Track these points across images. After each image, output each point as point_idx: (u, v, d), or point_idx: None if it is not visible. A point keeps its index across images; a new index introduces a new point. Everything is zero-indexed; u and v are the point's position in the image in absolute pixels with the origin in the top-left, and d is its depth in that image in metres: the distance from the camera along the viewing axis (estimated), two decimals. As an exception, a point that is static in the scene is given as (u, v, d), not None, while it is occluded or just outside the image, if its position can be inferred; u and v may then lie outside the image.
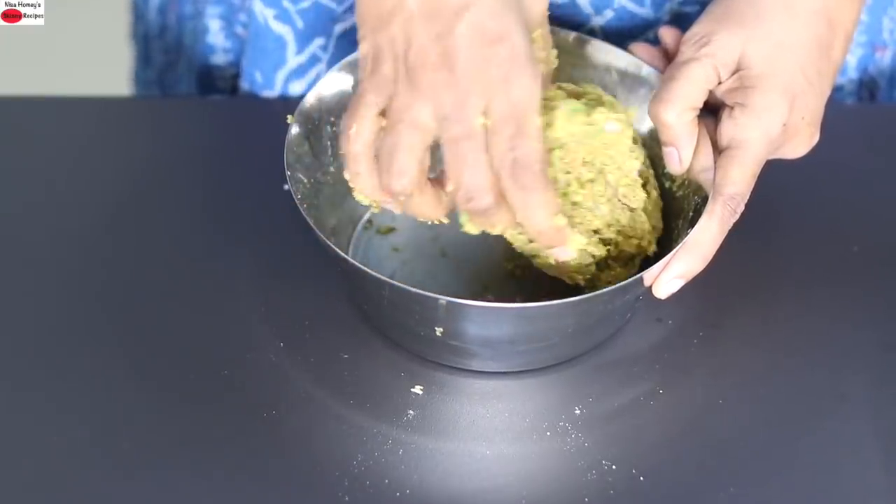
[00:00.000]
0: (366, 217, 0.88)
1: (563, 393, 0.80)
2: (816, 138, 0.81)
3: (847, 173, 0.92)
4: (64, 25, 1.85)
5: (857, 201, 0.90)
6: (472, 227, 0.74)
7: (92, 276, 0.85)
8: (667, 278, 0.77)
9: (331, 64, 0.95)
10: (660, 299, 0.78)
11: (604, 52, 0.86)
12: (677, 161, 0.79)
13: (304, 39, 0.95)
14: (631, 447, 0.77)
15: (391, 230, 0.87)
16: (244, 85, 0.98)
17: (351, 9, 0.93)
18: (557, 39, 0.83)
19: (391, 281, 0.73)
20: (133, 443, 0.76)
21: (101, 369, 0.80)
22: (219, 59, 1.03)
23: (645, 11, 0.91)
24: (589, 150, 0.78)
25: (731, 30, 0.79)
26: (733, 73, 0.79)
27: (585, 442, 0.77)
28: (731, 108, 0.79)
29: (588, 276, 0.79)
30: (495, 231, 0.74)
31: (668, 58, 0.86)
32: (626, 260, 0.80)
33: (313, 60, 0.95)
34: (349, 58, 0.84)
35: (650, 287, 0.78)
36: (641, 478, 0.76)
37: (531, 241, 0.77)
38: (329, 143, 0.84)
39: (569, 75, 0.85)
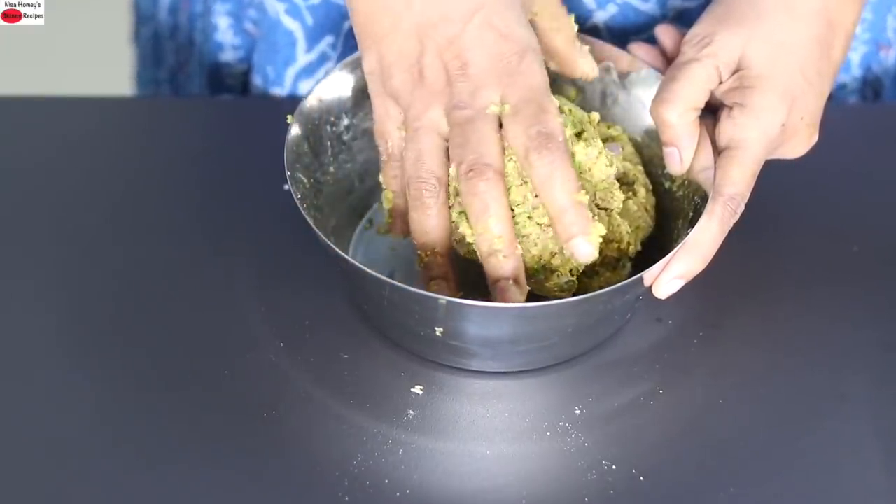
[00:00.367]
0: (366, 217, 0.88)
1: (563, 393, 0.80)
2: (815, 138, 0.81)
3: (848, 173, 0.92)
4: (64, 25, 1.85)
5: (857, 201, 0.90)
6: (467, 228, 0.74)
7: (92, 276, 0.85)
8: (667, 278, 0.77)
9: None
10: (660, 299, 0.78)
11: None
12: (678, 161, 0.79)
13: (313, 37, 0.95)
14: (631, 447, 0.77)
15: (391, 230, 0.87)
16: (256, 80, 0.99)
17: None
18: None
19: (391, 281, 0.73)
20: (133, 443, 0.76)
21: (101, 369, 0.80)
22: (228, 56, 1.03)
23: (649, 7, 0.91)
24: None
25: (731, 30, 0.79)
26: (733, 73, 0.79)
27: (585, 442, 0.77)
28: (731, 108, 0.79)
29: (571, 292, 0.78)
30: (476, 227, 0.74)
31: (666, 57, 0.86)
32: (612, 264, 0.80)
33: (322, 59, 0.95)
34: (350, 58, 0.84)
35: (650, 287, 0.78)
36: (641, 478, 0.76)
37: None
38: (329, 143, 0.84)
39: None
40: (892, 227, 0.89)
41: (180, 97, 1.09)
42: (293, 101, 0.93)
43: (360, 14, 0.77)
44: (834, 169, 0.92)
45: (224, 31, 1.02)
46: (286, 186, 0.78)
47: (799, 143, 0.81)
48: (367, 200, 0.87)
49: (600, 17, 0.92)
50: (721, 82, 0.80)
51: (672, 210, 0.82)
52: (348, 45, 0.95)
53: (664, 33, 0.86)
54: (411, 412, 0.78)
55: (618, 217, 0.79)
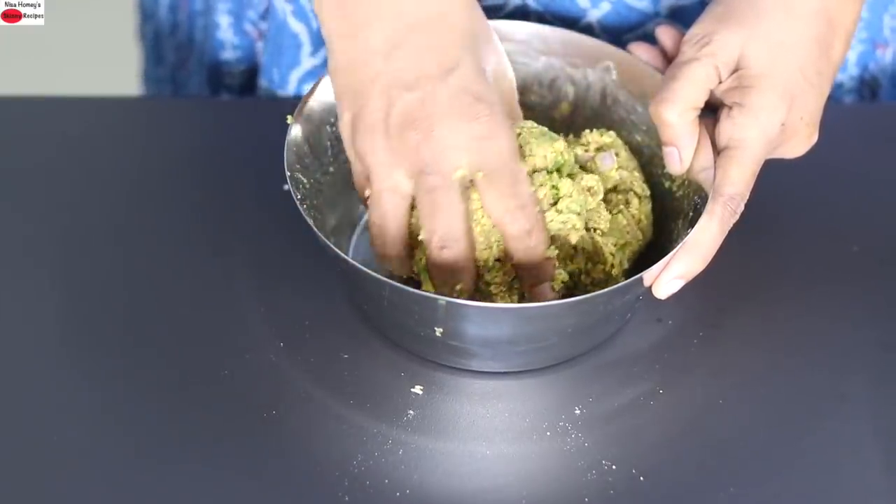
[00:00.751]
0: (366, 217, 0.87)
1: (563, 393, 0.80)
2: (815, 138, 0.81)
3: (847, 173, 0.92)
4: (64, 25, 1.85)
5: (857, 201, 0.90)
6: (430, 287, 0.76)
7: (92, 275, 0.85)
8: (667, 279, 0.77)
9: None
10: (660, 299, 0.78)
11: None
12: (678, 161, 0.79)
13: (319, 40, 0.95)
14: (631, 447, 0.77)
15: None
16: (262, 81, 0.99)
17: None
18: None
19: (391, 281, 0.73)
20: (132, 442, 0.76)
21: (101, 369, 0.80)
22: (228, 55, 1.03)
23: (643, 5, 0.91)
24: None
25: (731, 29, 0.79)
26: (732, 73, 0.79)
27: (585, 442, 0.77)
28: (730, 107, 0.79)
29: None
30: (455, 293, 0.76)
31: (666, 57, 0.86)
32: (601, 286, 0.80)
33: (327, 63, 0.95)
34: (349, 58, 0.84)
35: (650, 287, 0.78)
36: (641, 478, 0.76)
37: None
38: (329, 143, 0.84)
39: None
40: (891, 226, 0.89)
41: (180, 97, 1.09)
42: (293, 101, 0.93)
43: (340, 63, 0.77)
44: (834, 169, 0.92)
45: (225, 30, 1.02)
46: (286, 186, 0.78)
47: (798, 143, 0.80)
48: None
49: (594, 15, 0.92)
50: (720, 82, 0.80)
51: (672, 210, 0.82)
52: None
53: (664, 33, 0.86)
54: (411, 412, 0.78)
55: (600, 239, 0.79)
